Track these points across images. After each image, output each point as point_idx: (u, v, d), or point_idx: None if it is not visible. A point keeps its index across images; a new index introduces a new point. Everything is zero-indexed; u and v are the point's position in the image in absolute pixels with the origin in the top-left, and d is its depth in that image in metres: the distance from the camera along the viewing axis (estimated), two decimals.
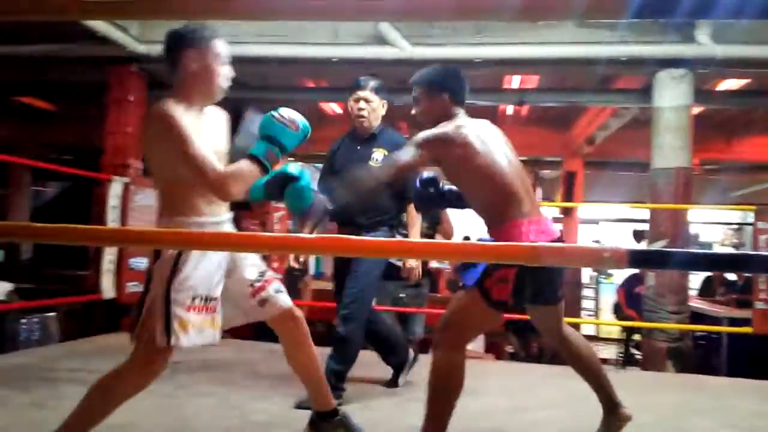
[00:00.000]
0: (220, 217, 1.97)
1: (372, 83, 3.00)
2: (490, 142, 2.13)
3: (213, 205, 1.94)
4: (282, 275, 5.05)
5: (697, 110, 5.77)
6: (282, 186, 2.04)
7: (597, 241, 11.00)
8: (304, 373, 2.14)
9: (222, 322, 1.95)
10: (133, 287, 4.69)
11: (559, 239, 2.14)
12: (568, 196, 8.14)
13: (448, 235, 4.44)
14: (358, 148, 3.03)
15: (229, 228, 2.03)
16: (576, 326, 7.57)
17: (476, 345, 4.71)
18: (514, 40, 4.75)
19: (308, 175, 2.09)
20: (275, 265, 5.03)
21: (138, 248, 4.37)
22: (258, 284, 2.03)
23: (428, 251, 1.49)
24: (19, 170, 9.14)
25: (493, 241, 2.05)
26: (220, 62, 1.94)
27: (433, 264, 6.34)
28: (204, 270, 1.87)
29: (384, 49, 4.79)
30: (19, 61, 5.57)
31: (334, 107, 7.70)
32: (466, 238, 9.25)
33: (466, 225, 9.93)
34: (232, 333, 5.55)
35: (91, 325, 4.98)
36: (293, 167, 2.05)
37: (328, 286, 7.20)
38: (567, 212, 8.50)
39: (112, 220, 4.60)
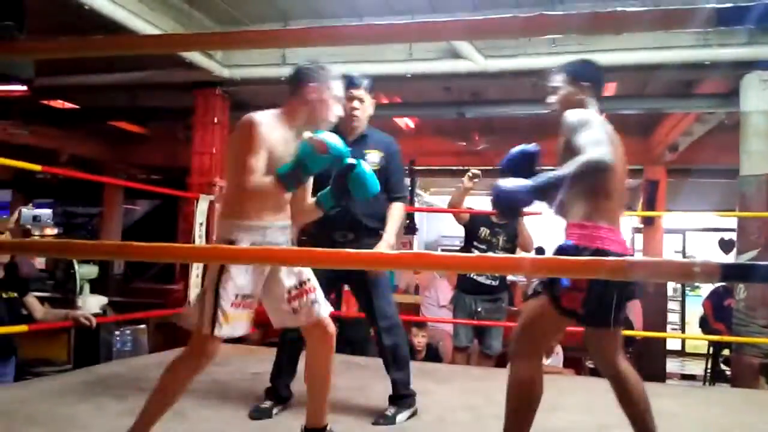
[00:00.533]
0: (270, 223, 2.16)
1: (366, 82, 2.87)
2: (615, 143, 2.06)
3: (266, 211, 2.14)
4: None
5: None
6: (344, 183, 2.18)
7: (680, 252, 10.55)
8: (314, 386, 2.26)
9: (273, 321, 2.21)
10: None
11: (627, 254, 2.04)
12: (650, 205, 7.85)
13: (527, 248, 4.39)
14: (350, 150, 2.92)
15: (279, 234, 2.19)
16: (661, 341, 7.32)
17: (555, 360, 4.61)
18: (590, 48, 4.66)
19: (363, 163, 2.21)
20: None
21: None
22: (295, 292, 2.19)
23: (510, 266, 1.49)
24: (112, 190, 9.67)
25: (568, 243, 1.99)
26: (334, 99, 2.20)
27: (510, 276, 6.27)
28: (248, 271, 2.09)
29: (457, 63, 4.81)
30: (112, 88, 5.95)
31: (408, 122, 7.77)
32: (540, 250, 9.07)
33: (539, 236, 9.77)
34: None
35: (179, 337, 5.21)
36: (350, 160, 2.16)
37: (401, 299, 7.27)
38: (649, 222, 8.19)
39: (199, 236, 4.81)
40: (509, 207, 2.04)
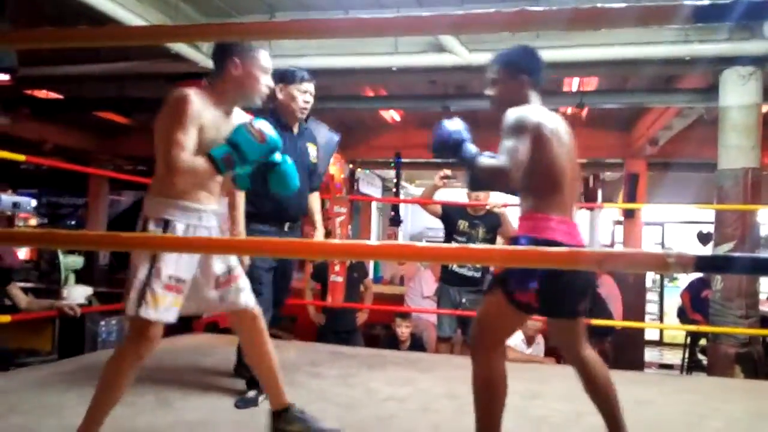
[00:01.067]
0: (205, 206, 2.15)
1: (313, 77, 3.00)
2: (560, 135, 2.08)
3: (203, 193, 2.13)
4: (343, 278, 5.17)
5: (766, 108, 5.57)
6: (264, 173, 2.22)
7: (660, 244, 10.70)
8: (262, 371, 2.28)
9: (184, 309, 2.14)
10: None
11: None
12: (631, 197, 7.96)
13: (508, 235, 4.45)
14: (297, 142, 2.99)
15: (213, 219, 2.19)
16: (640, 331, 7.44)
17: (536, 349, 4.69)
18: (572, 42, 4.72)
19: (289, 161, 2.25)
20: (336, 268, 5.15)
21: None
22: (223, 279, 2.19)
23: (504, 257, 1.54)
24: (97, 180, 9.61)
25: (519, 235, 2.03)
26: (262, 71, 2.17)
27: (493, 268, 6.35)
28: (182, 255, 2.06)
29: (442, 57, 4.85)
30: (98, 78, 5.92)
31: (393, 115, 7.80)
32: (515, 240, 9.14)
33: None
34: (296, 335, 5.73)
35: (165, 327, 5.22)
36: (277, 155, 2.19)
37: (386, 290, 7.32)
38: (630, 214, 8.31)
39: None
40: (441, 145, 2.13)
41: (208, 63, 5.22)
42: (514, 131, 1.96)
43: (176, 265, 2.04)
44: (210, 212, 2.17)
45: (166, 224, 2.05)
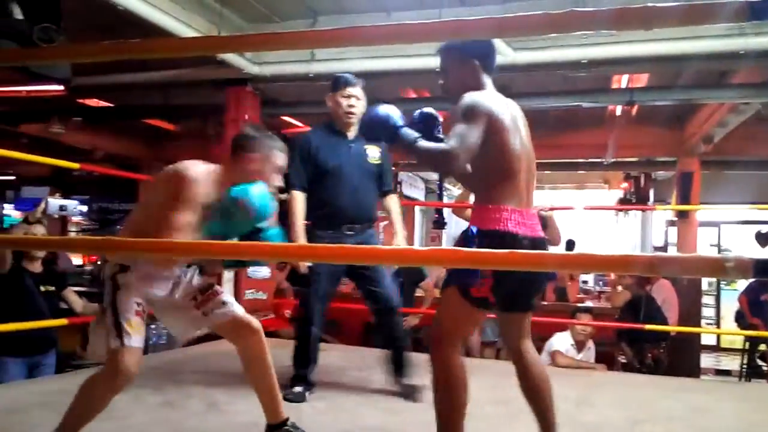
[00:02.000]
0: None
1: (360, 81, 3.04)
2: (513, 121, 2.01)
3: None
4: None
5: None
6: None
7: (716, 246, 10.34)
8: (260, 383, 2.26)
9: (174, 332, 2.24)
10: (251, 294, 4.95)
11: (541, 240, 2.00)
12: (684, 198, 7.71)
13: (555, 241, 4.35)
14: (351, 145, 3.04)
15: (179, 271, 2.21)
16: (696, 336, 7.19)
17: (587, 355, 4.58)
18: (621, 38, 4.59)
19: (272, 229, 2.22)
20: None
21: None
22: (201, 297, 2.21)
23: (559, 262, 1.49)
24: (145, 186, 9.83)
25: (472, 228, 1.96)
26: (275, 171, 2.19)
27: None
28: (147, 278, 2.10)
29: None
30: (145, 86, 6.06)
31: None
32: (570, 243, 8.97)
33: (569, 230, 9.66)
34: (340, 339, 5.74)
35: (211, 332, 5.29)
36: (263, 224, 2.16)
37: (434, 294, 7.26)
38: (683, 215, 8.05)
39: None
40: (371, 128, 2.08)
41: (253, 69, 5.34)
42: (465, 116, 1.91)
43: (137, 289, 2.08)
44: (181, 263, 2.19)
45: (122, 268, 2.07)
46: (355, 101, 2.99)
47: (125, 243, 1.68)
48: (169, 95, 6.66)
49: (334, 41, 1.69)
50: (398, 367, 3.09)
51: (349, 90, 2.99)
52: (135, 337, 2.02)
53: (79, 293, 5.30)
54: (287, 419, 2.31)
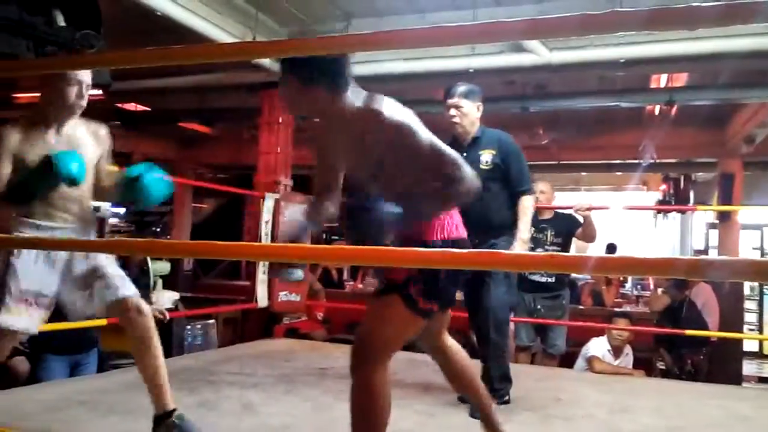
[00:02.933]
0: (55, 223, 2.17)
1: (461, 89, 3.03)
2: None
3: (50, 210, 2.15)
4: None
5: None
6: (129, 193, 2.27)
7: (758, 249, 10.05)
8: (147, 372, 2.21)
9: (72, 314, 2.28)
10: (284, 296, 4.98)
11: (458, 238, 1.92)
12: (726, 199, 7.51)
13: (590, 238, 4.26)
14: (464, 153, 2.94)
15: (66, 235, 2.19)
16: (738, 342, 7.00)
17: (625, 360, 4.48)
18: (659, 37, 4.49)
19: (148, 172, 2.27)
20: None
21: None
22: (88, 280, 2.19)
23: (576, 265, 1.46)
24: (181, 189, 10.00)
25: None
26: (72, 82, 2.14)
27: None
28: (34, 268, 2.11)
29: (521, 56, 4.73)
30: (181, 90, 6.16)
31: None
32: (611, 247, 8.82)
33: (608, 232, 9.49)
34: None
35: (247, 332, 5.35)
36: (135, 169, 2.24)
37: (461, 297, 7.21)
38: (725, 217, 7.84)
39: (265, 234, 4.92)
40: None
41: None
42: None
43: (28, 280, 2.10)
44: (68, 229, 2.20)
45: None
46: (455, 111, 3.02)
47: (166, 246, 1.70)
48: (204, 99, 6.76)
49: (365, 45, 1.68)
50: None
51: (448, 101, 3.04)
52: (7, 317, 2.08)
53: None
54: (174, 410, 2.22)
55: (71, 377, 3.56)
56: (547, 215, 4.30)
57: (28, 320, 2.14)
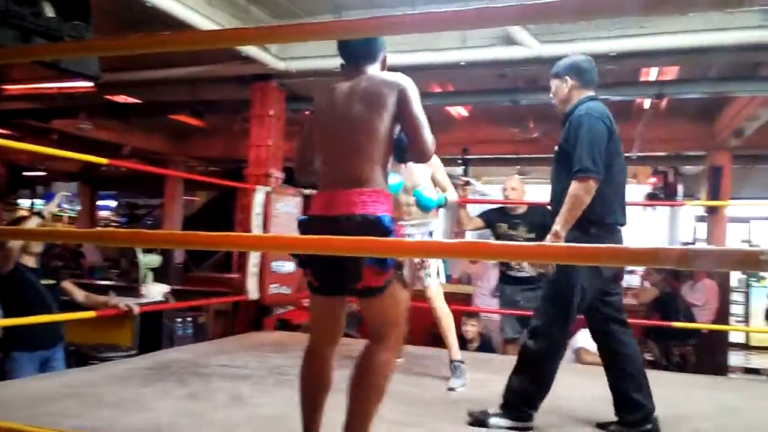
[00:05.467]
0: None
1: (553, 70, 2.79)
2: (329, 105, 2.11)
3: None
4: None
5: None
6: None
7: (746, 242, 10.15)
8: None
9: None
10: (275, 289, 4.98)
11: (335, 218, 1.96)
12: (714, 192, 7.56)
13: None
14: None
15: None
16: (724, 334, 7.07)
17: None
18: (651, 30, 4.51)
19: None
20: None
21: (280, 252, 4.67)
22: None
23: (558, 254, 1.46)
24: (172, 181, 9.96)
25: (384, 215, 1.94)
26: None
27: None
28: None
29: (512, 49, 4.73)
30: (172, 82, 6.12)
31: (460, 110, 7.70)
32: None
33: None
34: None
35: (237, 324, 5.35)
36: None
37: (454, 289, 7.24)
38: (713, 210, 7.90)
39: (256, 226, 4.91)
40: None
41: (278, 64, 5.36)
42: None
43: None
44: None
45: None
46: (552, 91, 2.80)
47: (153, 235, 1.69)
48: (195, 91, 6.72)
49: (356, 32, 1.67)
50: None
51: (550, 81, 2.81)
52: None
53: (107, 287, 5.39)
54: None
55: (41, 373, 3.44)
56: (520, 210, 4.34)
57: None
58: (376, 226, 1.88)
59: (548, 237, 2.51)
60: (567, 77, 2.71)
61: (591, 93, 2.71)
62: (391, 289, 1.95)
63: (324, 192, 2.02)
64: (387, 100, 2.01)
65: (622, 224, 2.70)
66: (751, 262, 1.12)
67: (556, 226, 2.48)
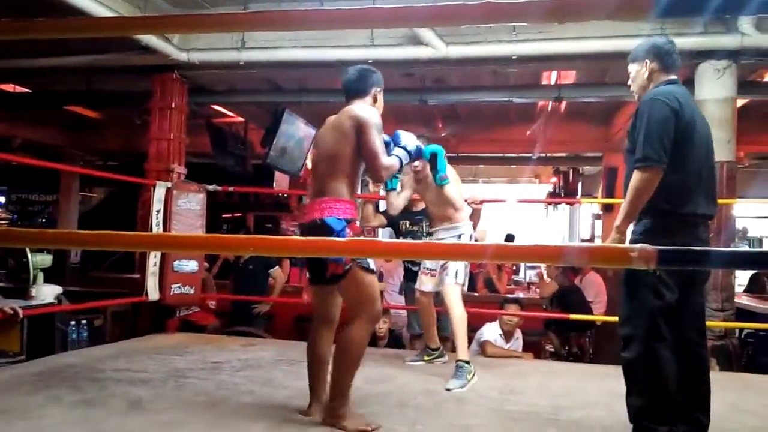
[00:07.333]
0: None
1: (631, 55, 2.61)
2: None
3: None
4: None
5: (741, 102, 5.60)
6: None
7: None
8: None
9: None
10: (177, 289, 4.80)
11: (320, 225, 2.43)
12: (609, 192, 7.99)
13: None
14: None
15: None
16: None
17: (516, 344, 4.67)
18: (551, 36, 4.69)
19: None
20: None
21: (181, 252, 4.51)
22: None
23: (471, 253, 1.50)
24: (68, 177, 9.43)
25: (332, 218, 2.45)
26: None
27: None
28: None
29: (419, 49, 4.79)
30: (67, 71, 5.77)
31: None
32: (510, 237, 9.14)
33: (504, 223, 9.84)
34: (272, 333, 5.66)
35: (138, 327, 5.12)
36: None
37: None
38: (608, 209, 8.34)
39: (156, 224, 4.71)
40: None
41: (180, 56, 5.16)
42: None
43: None
44: None
45: None
46: (631, 78, 2.62)
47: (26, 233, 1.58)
48: (92, 81, 6.36)
49: (264, 24, 1.63)
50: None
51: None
52: None
53: None
54: None
55: None
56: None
57: None
58: (322, 228, 2.41)
59: (612, 233, 2.39)
60: (647, 60, 2.52)
61: (672, 77, 2.52)
62: (352, 273, 2.40)
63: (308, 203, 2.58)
64: (348, 131, 2.47)
65: (705, 215, 2.39)
66: (622, 258, 1.18)
67: (617, 221, 2.36)
